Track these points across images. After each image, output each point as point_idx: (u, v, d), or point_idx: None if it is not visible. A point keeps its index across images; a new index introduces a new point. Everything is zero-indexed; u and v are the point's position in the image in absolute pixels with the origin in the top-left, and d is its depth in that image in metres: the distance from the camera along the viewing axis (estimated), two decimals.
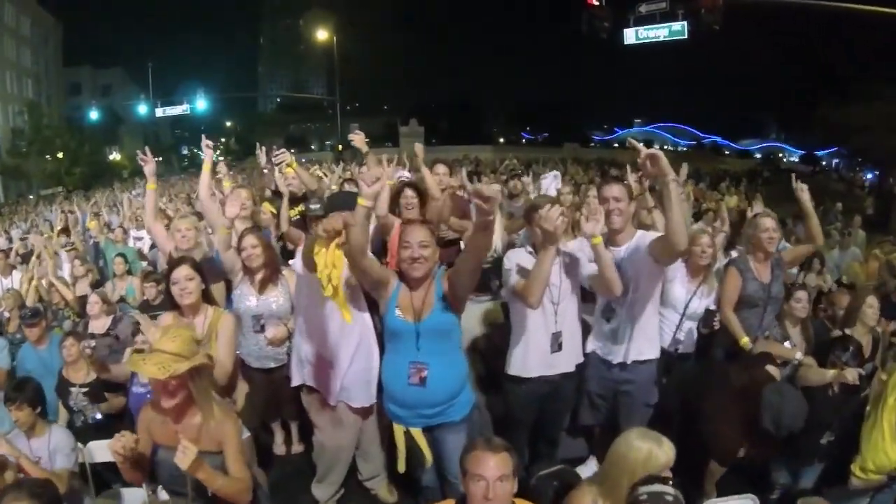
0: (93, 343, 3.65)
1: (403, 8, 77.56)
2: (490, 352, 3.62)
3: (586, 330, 3.35)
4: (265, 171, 5.95)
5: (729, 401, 3.19)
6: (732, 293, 3.57)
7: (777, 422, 2.88)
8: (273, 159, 4.93)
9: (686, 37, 14.71)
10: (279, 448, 4.04)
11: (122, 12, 75.92)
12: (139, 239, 8.02)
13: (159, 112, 27.62)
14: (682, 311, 3.53)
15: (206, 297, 3.03)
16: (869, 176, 29.82)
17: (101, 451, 3.28)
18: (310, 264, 2.62)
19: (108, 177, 35.80)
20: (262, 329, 3.40)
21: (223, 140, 62.48)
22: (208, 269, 3.64)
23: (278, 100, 75.54)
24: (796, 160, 48.55)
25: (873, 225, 13.77)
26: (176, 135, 61.05)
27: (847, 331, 3.43)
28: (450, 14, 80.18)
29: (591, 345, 3.29)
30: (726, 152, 54.53)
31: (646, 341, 3.15)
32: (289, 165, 4.85)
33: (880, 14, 11.82)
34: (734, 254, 4.14)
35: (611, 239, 3.07)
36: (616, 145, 59.44)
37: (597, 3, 14.54)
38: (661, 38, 15.33)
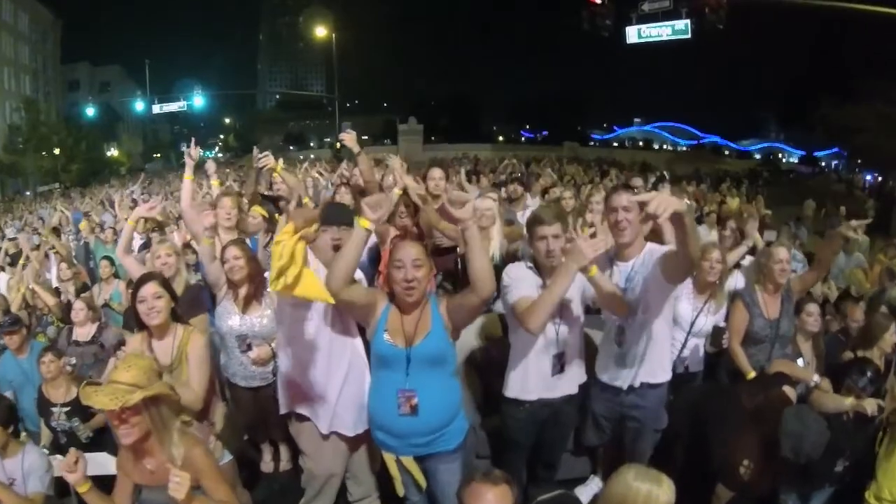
0: (73, 360, 3.52)
1: (403, 5, 77.27)
2: (487, 367, 3.42)
3: (590, 345, 3.16)
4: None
5: (742, 422, 3.02)
6: (740, 327, 3.46)
7: (797, 450, 2.73)
8: (256, 163, 4.67)
9: (689, 36, 14.60)
10: (267, 466, 3.87)
11: (122, 9, 75.63)
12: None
13: (156, 109, 27.67)
14: (688, 328, 3.38)
15: (176, 316, 2.85)
16: (868, 177, 29.75)
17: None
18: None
19: (106, 173, 35.72)
20: (249, 348, 3.23)
21: (222, 137, 62.51)
22: (190, 300, 3.51)
23: (277, 97, 75.44)
24: (796, 161, 48.53)
25: (874, 228, 13.70)
26: (175, 131, 61.06)
27: (861, 352, 3.30)
28: (449, 12, 79.81)
29: (599, 371, 3.07)
30: (726, 152, 54.38)
31: (657, 364, 2.91)
32: (274, 170, 4.65)
33: (882, 14, 11.74)
34: (741, 279, 3.95)
35: (618, 253, 2.85)
36: (615, 144, 59.41)
37: (599, 2, 14.44)
38: (664, 38, 15.24)
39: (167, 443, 2.10)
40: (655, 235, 3.19)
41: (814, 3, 13.70)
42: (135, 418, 2.02)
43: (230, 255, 3.22)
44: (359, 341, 2.81)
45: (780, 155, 52.78)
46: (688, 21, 14.30)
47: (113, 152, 45.47)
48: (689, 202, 6.96)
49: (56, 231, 9.01)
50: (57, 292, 5.55)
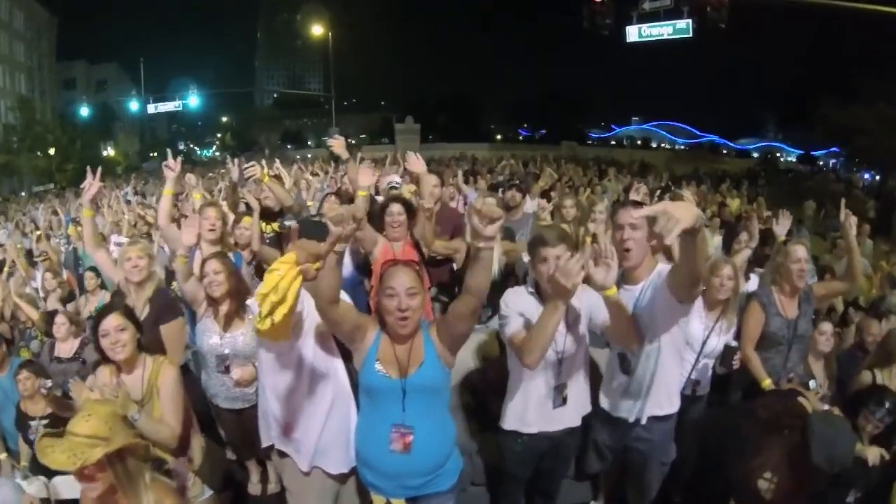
0: (48, 383, 3.36)
1: (401, 3, 77.12)
2: (484, 389, 3.26)
3: (594, 368, 2.97)
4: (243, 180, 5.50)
5: (761, 431, 2.74)
6: (754, 330, 3.25)
7: (831, 458, 2.40)
8: (244, 173, 4.53)
9: (691, 35, 14.48)
10: (254, 488, 3.70)
11: (119, 6, 74.95)
12: (119, 244, 7.66)
13: (151, 108, 27.54)
14: (700, 349, 3.17)
15: (143, 347, 2.67)
16: (866, 177, 29.67)
17: (67, 486, 2.98)
18: None
19: (102, 173, 35.44)
20: (227, 370, 3.05)
21: (219, 135, 62.24)
22: (163, 304, 3.33)
23: (275, 95, 75.20)
24: (794, 160, 48.42)
25: (875, 229, 13.58)
26: (172, 130, 60.89)
27: (878, 373, 3.15)
28: (448, 10, 79.60)
29: (602, 399, 2.87)
30: (724, 151, 54.23)
31: (664, 396, 2.69)
32: (260, 179, 4.50)
33: (882, 14, 11.62)
34: (753, 279, 3.78)
35: (625, 275, 2.61)
36: (613, 143, 59.28)
37: (599, 0, 14.32)
38: (665, 36, 15.12)
39: (133, 498, 1.91)
40: (666, 252, 3.02)
41: (814, 2, 13.57)
42: (99, 474, 1.84)
43: (210, 269, 3.05)
44: (343, 373, 2.62)
45: (777, 154, 52.66)
46: (689, 20, 14.19)
47: (109, 151, 45.15)
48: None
49: (46, 238, 8.82)
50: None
